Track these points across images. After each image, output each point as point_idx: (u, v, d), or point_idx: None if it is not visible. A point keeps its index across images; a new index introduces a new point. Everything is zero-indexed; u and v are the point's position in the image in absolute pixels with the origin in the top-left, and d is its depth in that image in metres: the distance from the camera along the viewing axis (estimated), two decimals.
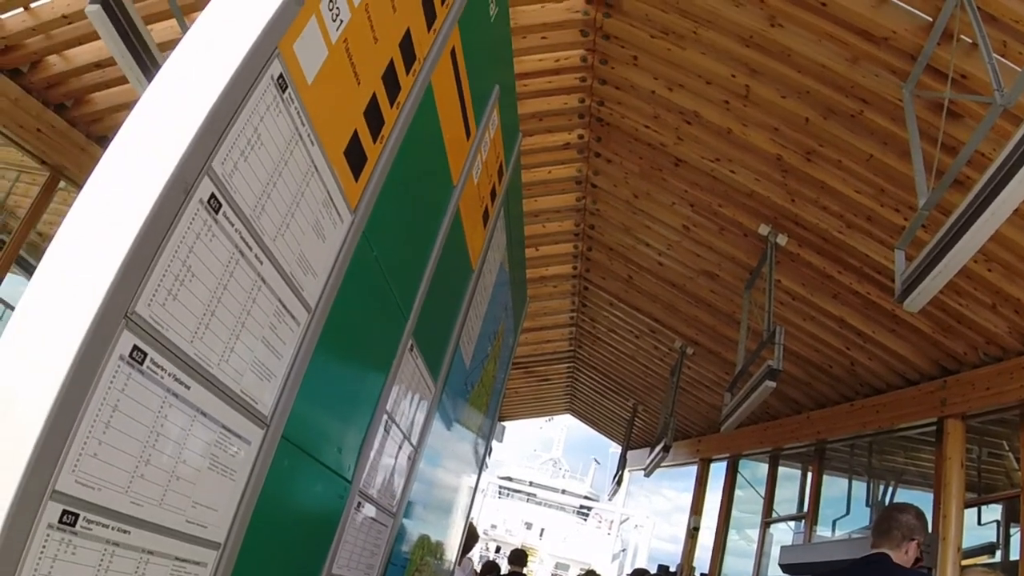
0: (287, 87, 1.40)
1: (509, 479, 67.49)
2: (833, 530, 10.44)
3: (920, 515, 3.79)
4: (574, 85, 7.92)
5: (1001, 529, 7.84)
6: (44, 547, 1.10)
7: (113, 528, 1.24)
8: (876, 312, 7.99)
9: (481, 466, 5.30)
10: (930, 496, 8.03)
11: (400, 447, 2.82)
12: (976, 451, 8.33)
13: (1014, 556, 7.20)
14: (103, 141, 8.35)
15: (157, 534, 1.35)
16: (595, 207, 10.05)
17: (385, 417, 2.48)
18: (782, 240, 7.88)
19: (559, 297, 12.90)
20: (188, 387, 1.34)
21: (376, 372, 2.38)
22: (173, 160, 1.16)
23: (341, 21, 1.55)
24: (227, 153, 1.28)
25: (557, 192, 9.87)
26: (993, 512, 7.97)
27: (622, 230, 10.13)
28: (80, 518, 1.16)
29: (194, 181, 1.21)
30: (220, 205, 1.29)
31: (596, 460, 69.44)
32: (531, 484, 67.53)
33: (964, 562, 7.40)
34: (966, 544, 7.58)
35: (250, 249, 1.42)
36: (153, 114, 1.21)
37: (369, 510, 2.59)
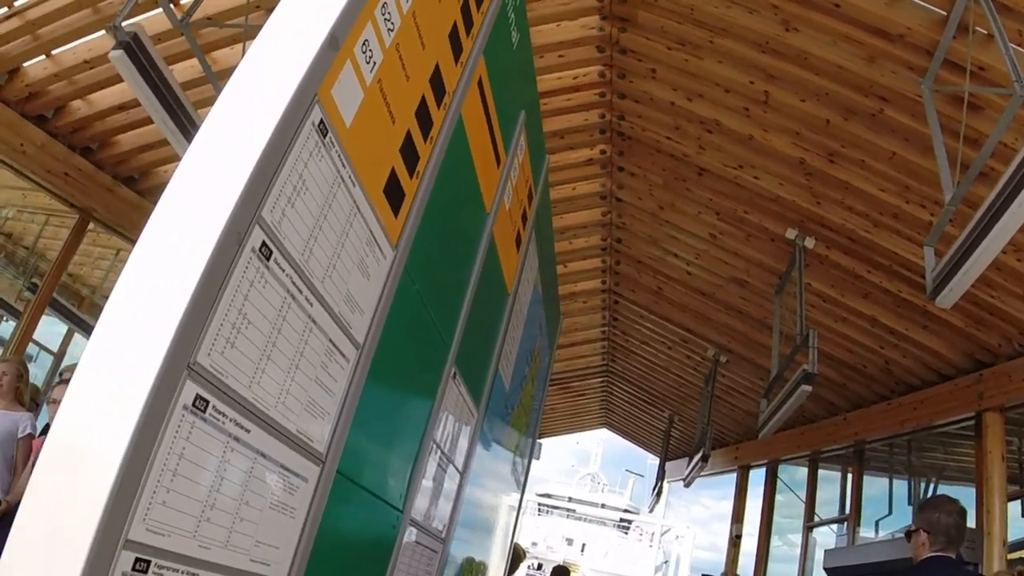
0: (328, 132, 1.44)
1: (548, 495, 67.22)
2: (876, 531, 10.33)
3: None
4: (594, 101, 7.96)
5: None
6: None
7: (183, 572, 1.27)
8: (908, 309, 7.95)
9: (523, 486, 5.31)
10: (972, 491, 7.94)
11: (447, 473, 2.85)
12: (1017, 443, 8.23)
13: None
14: (130, 182, 8.51)
15: (224, 575, 1.38)
16: (621, 221, 10.07)
17: (433, 445, 2.51)
18: (810, 243, 7.86)
19: (590, 312, 12.91)
20: (248, 431, 1.37)
21: (422, 401, 2.41)
22: (225, 212, 1.19)
23: (374, 63, 1.59)
24: (275, 201, 1.31)
25: (582, 208, 9.91)
26: None
27: (649, 242, 10.14)
28: (152, 564, 1.19)
29: (246, 231, 1.24)
30: (271, 252, 1.33)
31: (634, 472, 68.97)
32: (570, 500, 67.23)
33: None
34: (1012, 537, 7.49)
35: (300, 292, 1.45)
36: (201, 167, 1.24)
37: (421, 537, 2.61)
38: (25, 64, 7.25)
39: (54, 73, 7.23)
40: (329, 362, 1.62)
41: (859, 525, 10.63)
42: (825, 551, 11.07)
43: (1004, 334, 7.48)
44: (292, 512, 1.59)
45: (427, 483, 2.57)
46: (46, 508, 1.10)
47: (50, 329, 8.93)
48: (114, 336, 1.16)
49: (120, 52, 5.07)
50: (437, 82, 1.98)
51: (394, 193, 1.81)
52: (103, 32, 5.56)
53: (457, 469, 2.99)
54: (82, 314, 10.49)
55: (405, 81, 1.77)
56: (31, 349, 8.57)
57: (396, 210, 1.84)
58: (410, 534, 2.46)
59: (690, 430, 14.80)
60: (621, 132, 8.36)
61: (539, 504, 65.90)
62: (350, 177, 1.56)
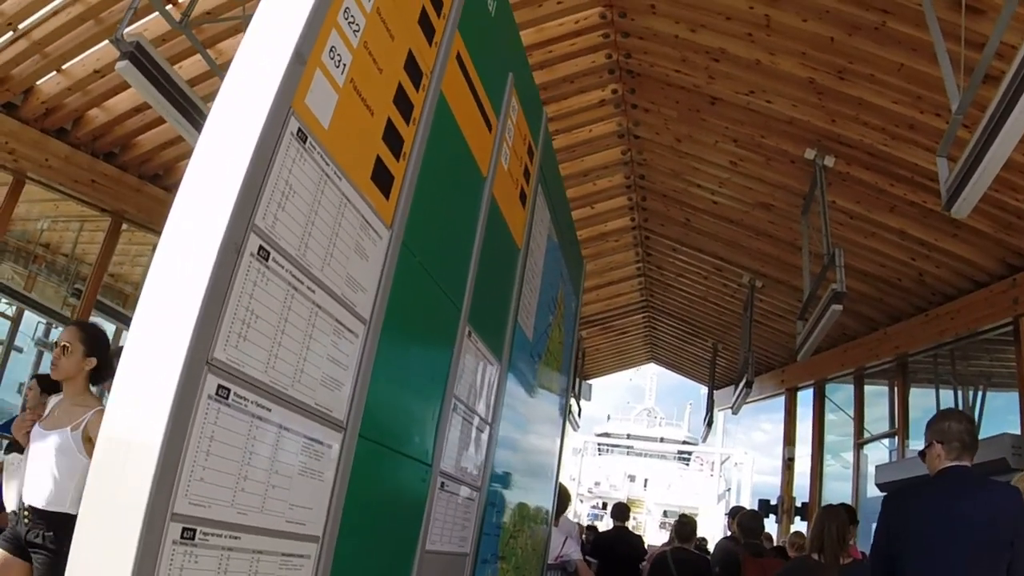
0: (307, 138, 1.60)
1: (607, 435, 67.76)
2: None
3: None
4: (598, 43, 8.04)
5: None
6: (172, 560, 1.33)
7: (225, 536, 1.47)
8: (935, 219, 7.95)
9: (563, 428, 5.50)
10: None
11: (475, 425, 3.03)
12: None
13: None
14: (156, 179, 8.77)
15: (263, 536, 1.58)
16: (641, 157, 10.14)
17: (454, 401, 2.69)
18: (829, 161, 7.88)
19: (622, 250, 13.04)
20: (269, 410, 1.56)
21: (439, 362, 2.58)
22: (221, 227, 1.38)
23: (344, 65, 1.73)
24: (266, 208, 1.48)
25: (602, 149, 10.03)
26: None
27: (672, 175, 10.22)
28: (197, 532, 1.39)
29: (243, 240, 1.42)
30: (268, 253, 1.50)
31: (689, 403, 69.12)
32: (628, 436, 67.72)
33: None
34: None
35: (301, 283, 1.63)
36: (196, 191, 1.43)
37: (453, 488, 2.80)
38: (38, 82, 7.52)
39: (67, 87, 7.49)
40: (338, 339, 1.80)
41: (908, 438, 10.67)
42: (876, 467, 11.11)
43: None
44: (320, 476, 1.78)
45: (455, 436, 2.75)
46: (104, 494, 1.31)
47: None
48: (141, 345, 1.37)
49: (126, 63, 5.26)
50: (412, 67, 2.12)
51: (382, 178, 1.96)
52: (108, 41, 5.74)
53: (485, 421, 3.17)
54: (128, 311, 10.79)
55: (378, 74, 1.91)
56: None
57: (387, 193, 1.99)
58: (442, 486, 2.65)
59: (735, 357, 14.90)
60: (630, 70, 8.42)
61: (598, 444, 66.52)
62: (335, 173, 1.72)
